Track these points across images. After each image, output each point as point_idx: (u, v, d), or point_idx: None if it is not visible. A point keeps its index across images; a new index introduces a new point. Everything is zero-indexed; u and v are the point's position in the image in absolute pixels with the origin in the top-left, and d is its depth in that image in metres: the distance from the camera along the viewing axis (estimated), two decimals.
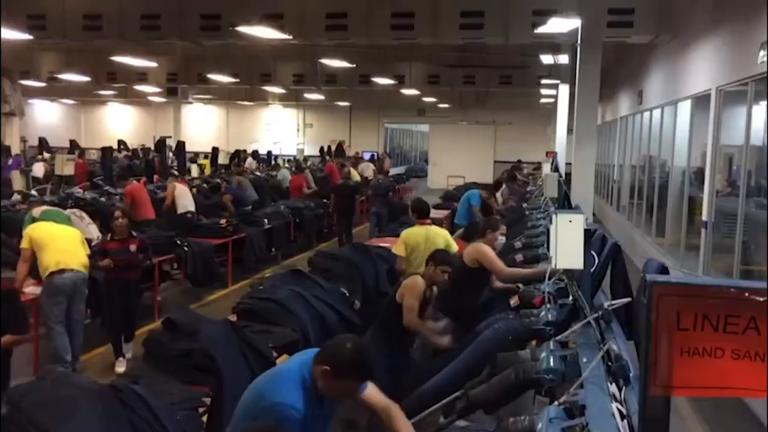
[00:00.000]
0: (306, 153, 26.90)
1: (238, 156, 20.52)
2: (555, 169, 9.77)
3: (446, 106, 26.61)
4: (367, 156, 24.71)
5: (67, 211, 7.92)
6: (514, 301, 4.78)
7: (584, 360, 2.54)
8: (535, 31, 9.71)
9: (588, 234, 3.23)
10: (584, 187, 9.59)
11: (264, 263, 10.53)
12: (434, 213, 12.15)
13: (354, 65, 16.89)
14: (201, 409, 3.87)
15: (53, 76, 19.38)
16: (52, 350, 5.85)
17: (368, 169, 18.62)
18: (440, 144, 27.50)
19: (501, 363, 2.88)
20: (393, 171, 22.36)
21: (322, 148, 24.80)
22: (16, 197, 10.34)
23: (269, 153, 23.36)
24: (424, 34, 10.67)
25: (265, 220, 10.74)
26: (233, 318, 5.13)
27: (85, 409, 3.18)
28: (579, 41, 9.21)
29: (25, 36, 11.54)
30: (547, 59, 14.23)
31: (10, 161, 15.86)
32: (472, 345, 3.72)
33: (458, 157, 25.59)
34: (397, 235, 9.43)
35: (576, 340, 2.87)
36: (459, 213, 10.14)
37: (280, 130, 30.10)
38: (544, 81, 17.61)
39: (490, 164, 25.75)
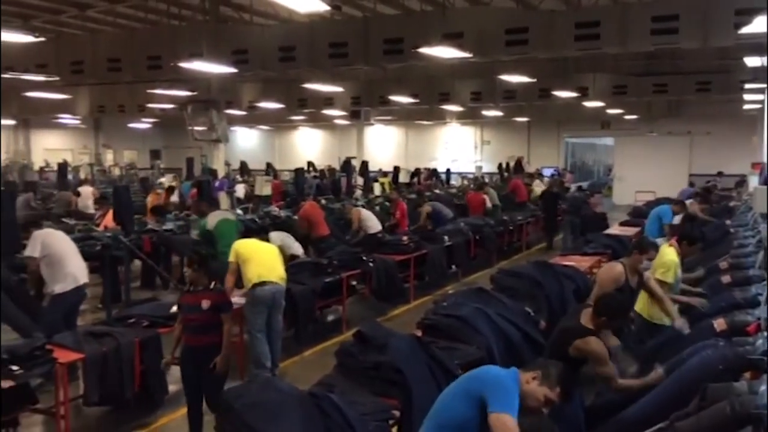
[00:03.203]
0: (484, 170, 26.83)
1: (417, 174, 20.98)
2: (765, 182, 8.80)
3: (633, 117, 25.16)
4: (547, 172, 24.08)
5: (273, 233, 8.58)
6: (719, 325, 4.36)
7: None
8: (739, 32, 8.87)
9: None
10: None
11: (445, 280, 10.62)
12: (621, 230, 11.63)
13: (534, 80, 16.58)
14: (390, 422, 3.97)
15: (252, 105, 21.25)
16: (254, 357, 6.31)
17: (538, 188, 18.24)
18: (626, 157, 26.09)
19: (712, 394, 2.65)
20: (573, 187, 21.56)
21: (500, 165, 24.58)
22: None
23: (448, 171, 23.60)
24: (611, 43, 10.18)
25: (446, 237, 10.84)
26: (418, 333, 5.22)
27: (288, 412, 3.40)
28: None
29: (231, 70, 12.77)
30: (752, 62, 12.95)
31: (216, 183, 17.58)
32: (677, 372, 3.44)
33: (647, 171, 24.07)
34: (585, 254, 9.12)
35: None
36: (648, 231, 9.49)
37: (458, 148, 30.34)
38: (748, 86, 16.04)
39: (683, 178, 23.86)
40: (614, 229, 12.00)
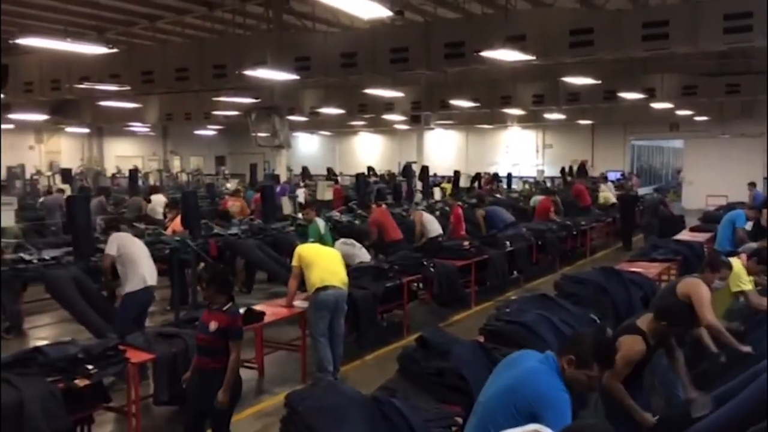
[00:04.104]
0: (546, 174, 26.38)
1: (478, 179, 20.81)
2: None
3: (704, 118, 24.26)
4: (612, 176, 23.48)
5: (339, 241, 8.69)
6: None
7: None
8: None
9: None
10: None
11: (506, 286, 10.49)
12: (692, 236, 11.23)
13: (598, 81, 16.21)
14: (453, 428, 3.94)
15: (314, 110, 21.56)
16: (316, 360, 6.38)
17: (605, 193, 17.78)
18: (697, 160, 25.23)
19: None
20: (641, 191, 20.97)
21: (563, 169, 24.12)
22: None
23: (509, 175, 23.32)
24: (681, 43, 9.86)
25: (507, 243, 10.70)
26: (480, 339, 5.16)
27: (351, 416, 3.42)
28: None
29: (294, 77, 12.99)
30: None
31: (278, 188, 17.89)
32: (756, 384, 3.28)
33: (718, 175, 23.19)
34: (654, 260, 8.84)
35: None
36: (720, 237, 9.12)
37: (519, 152, 29.94)
38: None
39: (759, 182, 22.85)
40: (685, 235, 11.60)
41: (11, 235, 8.81)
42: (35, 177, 22.84)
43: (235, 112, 20.64)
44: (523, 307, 5.73)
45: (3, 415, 4.01)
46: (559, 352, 2.99)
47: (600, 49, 10.34)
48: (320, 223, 8.50)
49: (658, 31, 9.67)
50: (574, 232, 13.40)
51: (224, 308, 4.49)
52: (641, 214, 15.85)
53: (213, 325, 4.42)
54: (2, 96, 14.98)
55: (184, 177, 27.11)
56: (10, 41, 11.71)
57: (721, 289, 5.37)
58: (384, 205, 11.57)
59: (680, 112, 23.11)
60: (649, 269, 8.12)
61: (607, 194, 17.28)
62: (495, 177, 22.27)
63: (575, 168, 24.09)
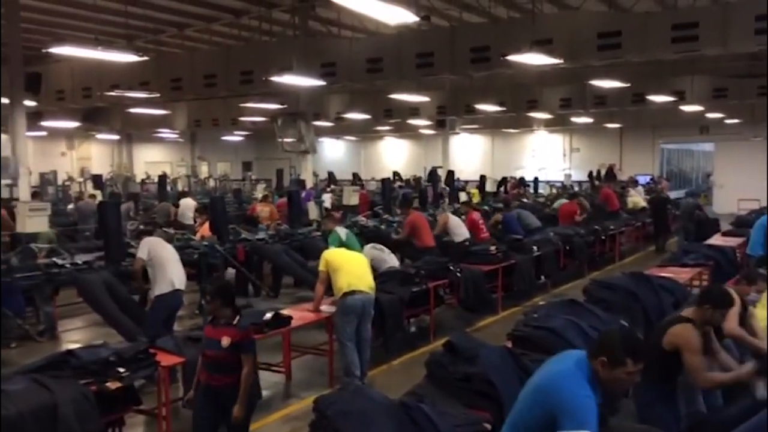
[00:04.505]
0: (573, 178, 26.15)
1: (504, 183, 20.71)
2: None
3: (735, 121, 23.85)
4: (641, 180, 23.20)
5: (369, 246, 8.70)
6: None
7: None
8: None
9: None
10: None
11: (533, 291, 10.41)
12: (723, 241, 11.03)
13: (626, 84, 16.04)
14: None
15: (339, 116, 21.66)
16: (343, 365, 6.38)
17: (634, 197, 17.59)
18: (728, 164, 24.85)
19: None
20: (672, 195, 20.72)
21: (591, 173, 23.90)
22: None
23: (535, 179, 23.17)
24: (711, 45, 9.74)
25: (534, 248, 10.61)
26: (508, 345, 5.13)
27: (379, 421, 3.42)
28: None
29: (320, 83, 13.07)
30: None
31: (303, 194, 18.00)
32: None
33: (751, 178, 22.72)
34: (685, 265, 8.70)
35: None
36: (753, 241, 8.94)
37: (546, 156, 29.73)
38: None
39: None
40: (717, 239, 11.40)
41: (45, 239, 8.98)
42: (67, 183, 23.28)
43: (262, 118, 20.83)
44: (551, 312, 5.66)
45: (38, 416, 4.08)
46: (591, 356, 2.95)
47: (628, 51, 10.26)
48: (341, 231, 8.46)
49: (687, 33, 9.57)
50: (603, 237, 13.25)
51: (233, 322, 4.33)
52: (674, 218, 15.83)
53: (225, 341, 4.25)
54: (35, 104, 15.32)
55: (211, 182, 27.41)
56: (44, 50, 11.97)
57: (760, 301, 5.26)
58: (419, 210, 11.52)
59: (711, 115, 22.75)
60: (680, 274, 7.99)
61: (636, 198, 17.09)
62: (521, 181, 22.14)
63: (603, 172, 23.84)
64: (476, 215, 11.53)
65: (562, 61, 10.42)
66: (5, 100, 13.17)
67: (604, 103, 18.32)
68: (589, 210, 14.35)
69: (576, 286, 9.95)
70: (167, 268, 6.77)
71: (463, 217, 11.47)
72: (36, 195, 14.20)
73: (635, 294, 6.46)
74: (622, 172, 25.96)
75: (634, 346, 2.93)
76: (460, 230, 10.53)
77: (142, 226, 9.20)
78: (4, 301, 7.21)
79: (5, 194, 14.22)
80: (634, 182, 20.23)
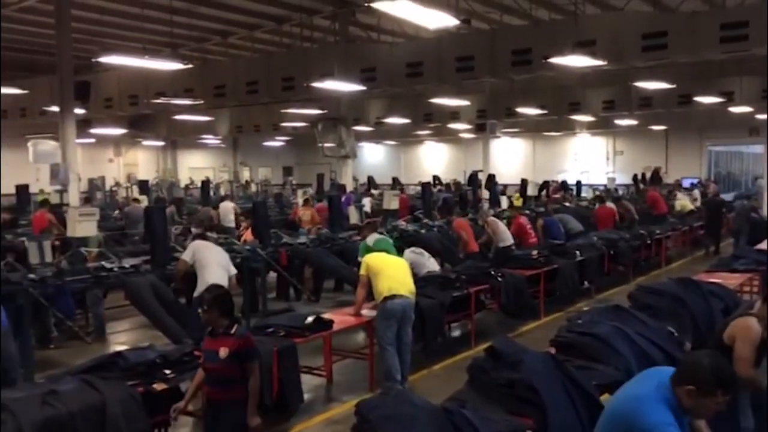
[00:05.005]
0: (617, 182, 25.68)
1: (546, 187, 20.45)
2: None
3: None
4: (686, 183, 22.65)
5: (408, 250, 8.70)
6: None
7: None
8: None
9: None
10: None
11: (577, 296, 10.25)
12: None
13: (672, 85, 15.70)
14: None
15: (379, 120, 21.73)
16: (384, 369, 6.38)
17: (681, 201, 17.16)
18: None
19: None
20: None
21: (635, 176, 23.43)
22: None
23: (578, 183, 22.82)
24: (761, 44, 9.45)
25: (577, 252, 10.45)
26: (551, 351, 5.05)
27: (421, 426, 3.40)
28: None
29: (360, 88, 13.14)
30: None
31: (343, 198, 18.09)
32: None
33: None
34: (734, 270, 8.45)
35: None
36: None
37: (589, 159, 29.28)
38: None
39: None
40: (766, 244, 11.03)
41: (95, 243, 9.22)
42: (114, 188, 23.87)
43: (303, 123, 21.05)
44: (596, 318, 5.56)
45: (87, 416, 4.19)
46: (675, 382, 2.80)
47: (674, 52, 10.04)
48: (369, 238, 8.52)
49: (736, 32, 9.32)
50: (648, 241, 12.96)
51: (231, 332, 4.10)
52: (726, 221, 15.79)
53: (223, 352, 4.02)
54: (85, 111, 15.77)
55: (253, 187, 27.77)
56: (93, 60, 12.32)
57: None
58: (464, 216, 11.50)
59: (761, 116, 22.06)
60: (730, 280, 7.76)
61: (684, 201, 16.67)
62: (563, 185, 21.83)
63: (648, 175, 23.34)
64: (523, 220, 11.41)
65: (605, 62, 10.26)
66: (56, 109, 13.59)
67: (650, 105, 17.95)
68: (632, 215, 14.05)
69: (621, 292, 9.77)
70: (207, 270, 6.89)
71: (504, 221, 11.37)
72: (87, 200, 14.61)
73: (683, 300, 6.30)
74: (668, 175, 25.38)
75: (726, 377, 2.80)
76: (505, 235, 10.47)
77: (193, 230, 9.38)
78: (56, 303, 7.42)
79: (56, 200, 14.66)
80: (680, 186, 19.78)
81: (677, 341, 5.46)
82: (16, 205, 15.67)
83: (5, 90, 15.10)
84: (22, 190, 17.19)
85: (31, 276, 6.81)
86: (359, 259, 7.96)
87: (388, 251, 8.09)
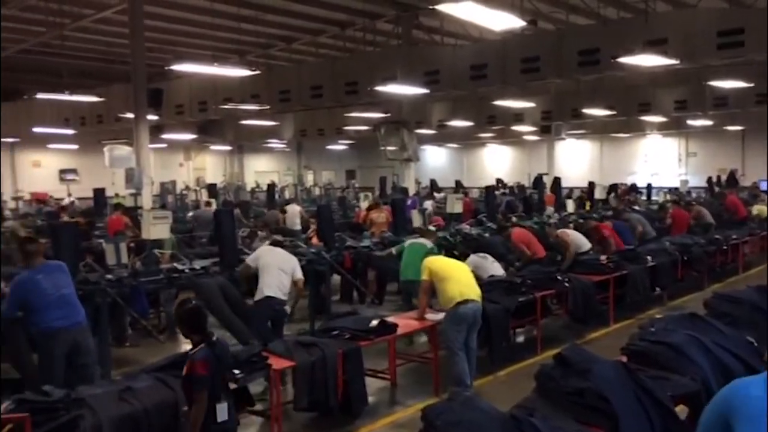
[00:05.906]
0: (690, 184, 24.78)
1: (614, 190, 19.90)
2: None
3: None
4: (764, 186, 21.61)
5: (472, 255, 8.64)
6: None
7: None
8: None
9: None
10: None
11: (648, 303, 9.92)
12: None
13: (750, 84, 15.03)
14: None
15: (442, 123, 21.65)
16: (452, 374, 6.31)
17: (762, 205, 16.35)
18: None
19: None
20: None
21: (710, 179, 22.54)
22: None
23: (648, 186, 22.12)
24: None
25: (649, 257, 10.12)
26: (623, 359, 4.90)
27: None
28: None
29: (423, 91, 13.13)
30: None
31: (408, 201, 18.07)
32: None
33: None
34: None
35: None
36: None
37: (659, 161, 28.35)
38: None
39: None
40: None
41: (168, 245, 9.51)
42: (184, 192, 24.63)
43: (365, 127, 21.18)
44: (669, 326, 5.36)
45: (160, 412, 4.33)
46: None
47: (751, 49, 9.61)
48: (406, 242, 8.64)
49: None
50: (725, 247, 12.43)
51: (193, 352, 3.82)
52: None
53: (184, 371, 3.81)
54: (157, 117, 16.34)
55: (316, 191, 28.17)
56: (166, 67, 12.76)
57: None
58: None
59: None
60: None
61: (762, 206, 15.92)
62: (633, 188, 21.20)
63: (723, 178, 22.41)
64: (607, 228, 10.96)
65: (677, 61, 9.91)
66: (130, 115, 14.13)
67: (725, 105, 17.24)
68: (707, 219, 13.50)
69: (695, 299, 9.41)
70: (265, 274, 7.02)
71: (576, 224, 11.08)
72: (163, 207, 15.11)
73: (763, 309, 6.01)
74: (744, 177, 24.30)
75: None
76: (580, 241, 10.15)
77: (259, 233, 9.56)
78: (131, 302, 7.70)
79: (130, 203, 15.23)
80: (757, 188, 18.89)
81: (757, 351, 5.21)
82: (92, 209, 16.36)
83: (83, 98, 15.83)
84: (98, 193, 17.98)
85: (108, 276, 7.08)
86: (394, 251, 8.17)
87: (412, 253, 8.11)
